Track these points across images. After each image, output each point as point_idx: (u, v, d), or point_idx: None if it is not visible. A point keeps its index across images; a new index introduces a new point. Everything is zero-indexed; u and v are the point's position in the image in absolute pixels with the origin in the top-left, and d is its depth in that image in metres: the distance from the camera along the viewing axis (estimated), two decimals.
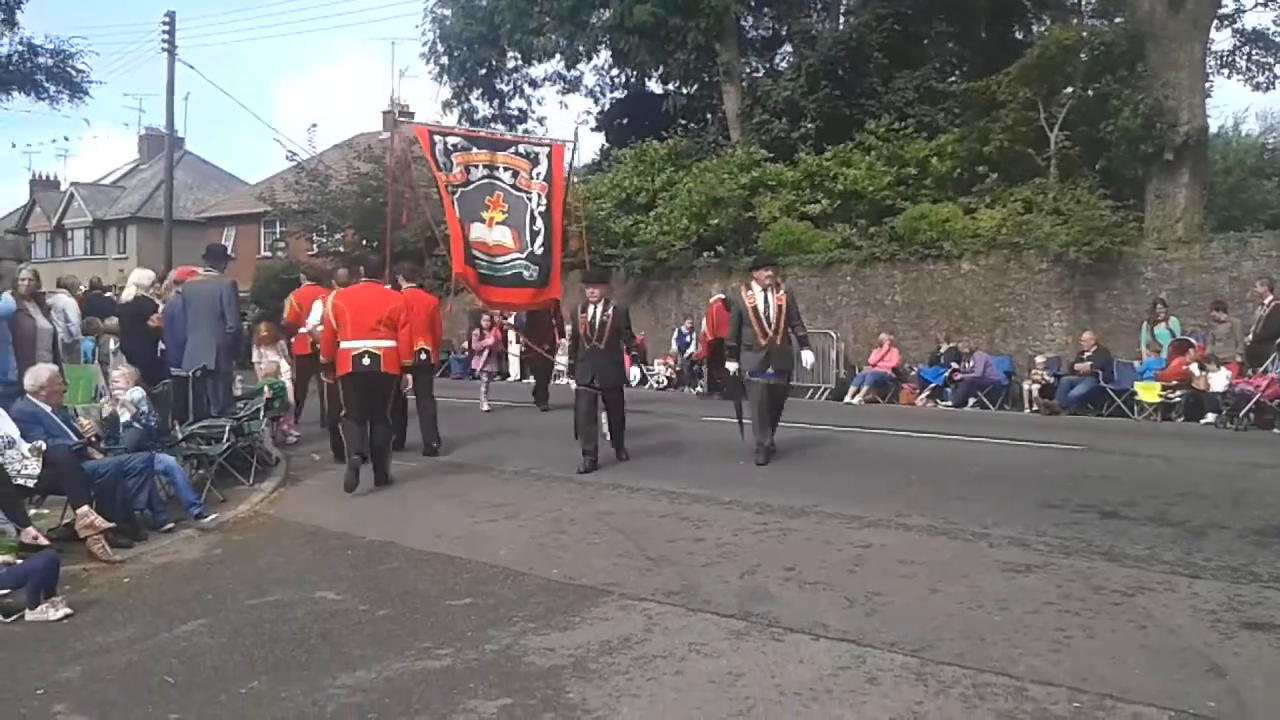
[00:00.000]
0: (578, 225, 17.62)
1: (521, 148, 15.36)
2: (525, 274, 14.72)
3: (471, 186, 14.58)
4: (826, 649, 5.06)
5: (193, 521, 8.21)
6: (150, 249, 37.64)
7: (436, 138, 14.83)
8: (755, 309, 10.24)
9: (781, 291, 10.43)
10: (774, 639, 5.23)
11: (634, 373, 10.01)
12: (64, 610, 5.92)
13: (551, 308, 15.59)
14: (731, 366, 10.62)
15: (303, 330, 12.25)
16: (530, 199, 14.83)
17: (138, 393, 9.29)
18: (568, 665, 4.93)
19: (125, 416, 8.97)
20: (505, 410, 15.97)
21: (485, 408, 15.76)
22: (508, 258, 14.64)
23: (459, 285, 16.24)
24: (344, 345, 9.63)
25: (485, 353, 17.28)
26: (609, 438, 10.78)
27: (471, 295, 16.88)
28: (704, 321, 18.68)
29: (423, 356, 11.31)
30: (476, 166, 14.69)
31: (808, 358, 10.87)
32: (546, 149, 15.33)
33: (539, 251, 14.72)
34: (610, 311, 10.30)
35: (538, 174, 14.90)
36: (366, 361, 9.56)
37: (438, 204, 16.15)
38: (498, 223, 14.64)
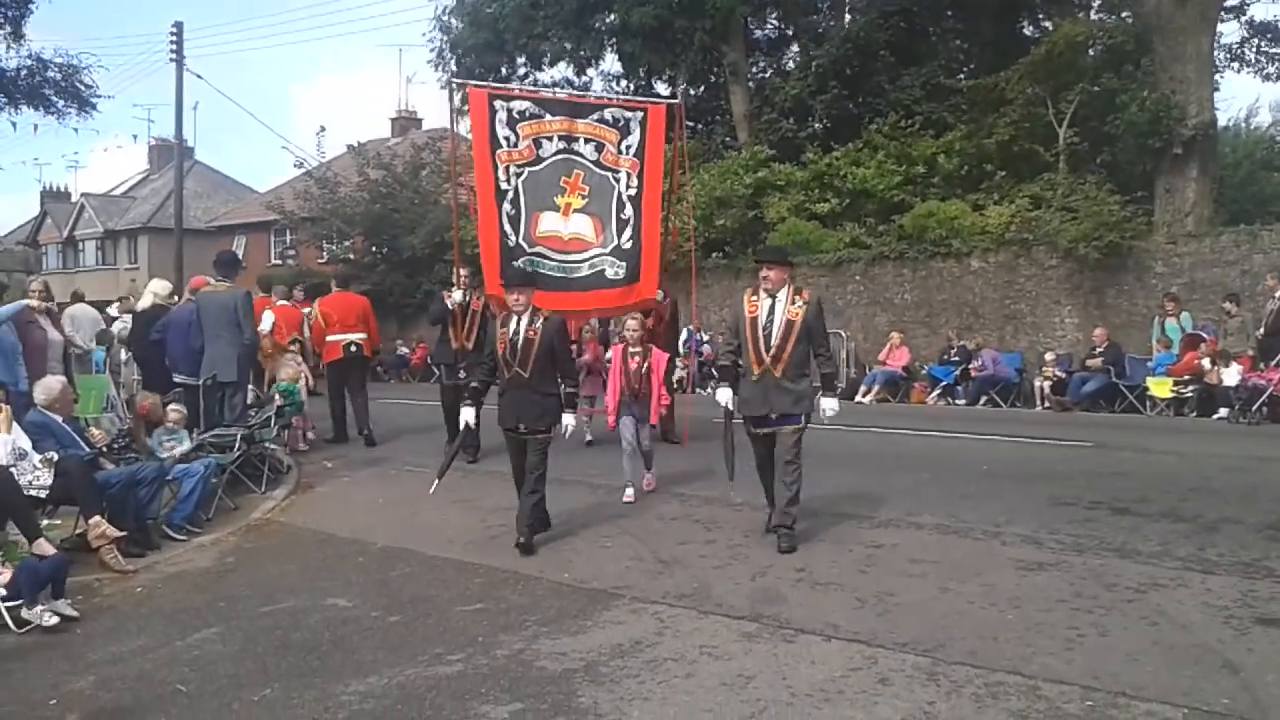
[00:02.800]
0: (680, 214, 13.91)
1: (609, 112, 12.00)
2: (609, 272, 11.59)
3: (543, 165, 11.54)
4: (838, 650, 5.06)
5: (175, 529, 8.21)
6: (161, 259, 37.75)
7: (498, 104, 11.58)
8: (754, 320, 7.33)
9: (800, 303, 7.28)
10: (785, 640, 5.22)
11: (567, 421, 7.65)
12: (54, 619, 5.91)
13: (658, 309, 12.16)
14: (723, 397, 7.63)
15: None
16: (619, 179, 11.77)
17: (188, 443, 9.11)
18: (579, 669, 4.93)
19: (164, 454, 8.77)
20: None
21: (587, 439, 12.26)
22: (587, 254, 11.60)
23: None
24: (333, 338, 13.01)
25: (581, 372, 11.92)
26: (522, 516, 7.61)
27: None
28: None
29: (353, 349, 13.10)
30: (550, 138, 11.63)
31: (828, 407, 7.43)
32: (640, 114, 11.99)
33: (627, 245, 11.65)
34: (538, 325, 7.50)
35: (628, 147, 11.80)
36: (354, 349, 13.05)
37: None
38: (576, 210, 11.64)
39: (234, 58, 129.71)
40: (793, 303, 7.29)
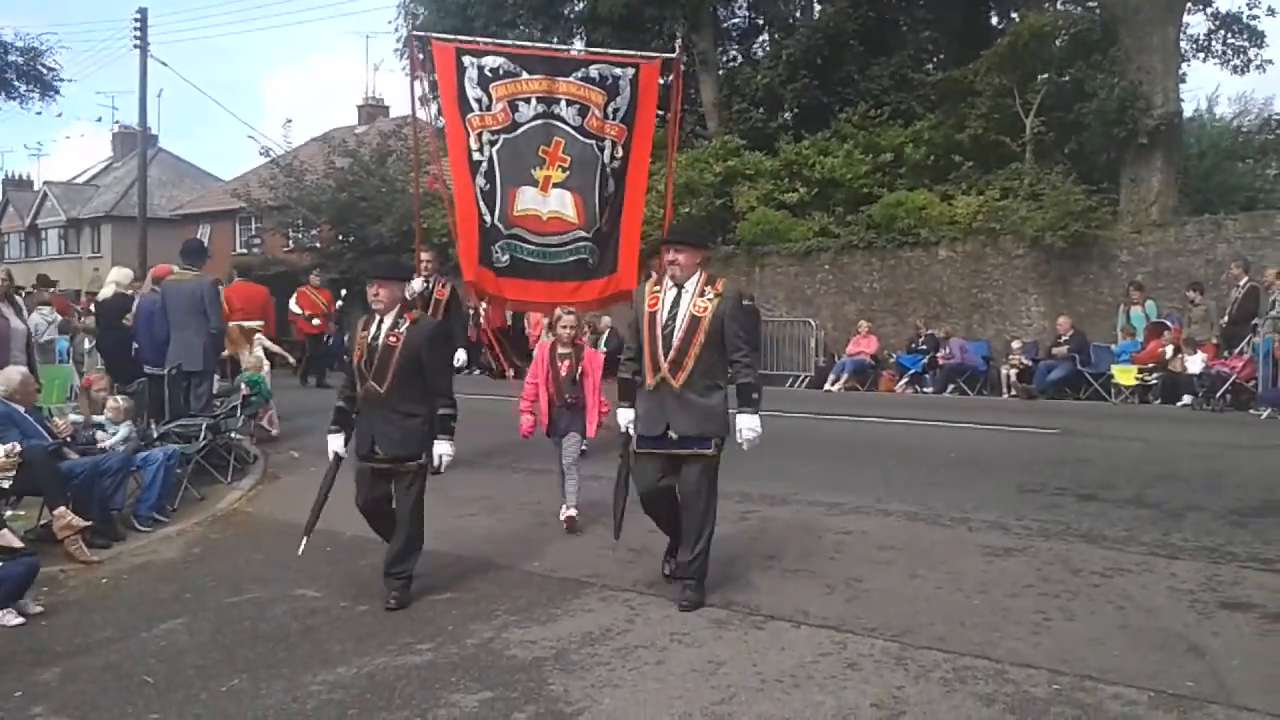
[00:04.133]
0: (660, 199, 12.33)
1: (595, 69, 10.29)
2: (591, 260, 10.29)
3: (520, 131, 9.99)
4: (807, 636, 5.08)
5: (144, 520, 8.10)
6: (125, 247, 37.33)
7: (467, 60, 9.94)
8: (653, 316, 5.79)
9: (711, 295, 5.73)
10: (755, 627, 5.24)
11: (440, 451, 6.07)
12: (19, 619, 5.81)
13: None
14: (624, 418, 5.96)
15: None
16: (603, 149, 10.19)
17: (125, 430, 8.78)
18: (549, 657, 4.93)
19: (110, 441, 8.47)
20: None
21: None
22: (568, 236, 10.16)
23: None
24: (234, 324, 13.38)
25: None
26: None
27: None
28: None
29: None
30: (528, 100, 10.00)
31: (746, 426, 5.66)
32: (631, 71, 10.31)
33: (606, 227, 10.29)
34: (403, 329, 5.99)
35: (615, 111, 10.22)
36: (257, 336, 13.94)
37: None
38: (556, 184, 10.09)
39: (200, 45, 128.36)
40: (701, 294, 5.73)
